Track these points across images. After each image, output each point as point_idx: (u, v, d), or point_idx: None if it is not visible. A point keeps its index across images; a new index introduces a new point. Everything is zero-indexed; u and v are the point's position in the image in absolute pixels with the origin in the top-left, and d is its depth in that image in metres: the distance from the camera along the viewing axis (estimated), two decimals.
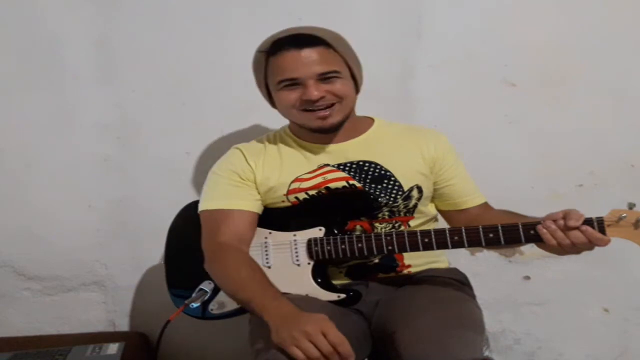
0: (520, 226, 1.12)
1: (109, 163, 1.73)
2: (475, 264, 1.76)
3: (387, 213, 1.27)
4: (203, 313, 1.30)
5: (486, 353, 1.77)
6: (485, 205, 1.34)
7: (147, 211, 1.73)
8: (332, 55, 1.21)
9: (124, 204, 1.75)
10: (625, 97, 1.70)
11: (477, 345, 1.08)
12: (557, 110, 1.71)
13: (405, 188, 1.27)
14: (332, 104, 1.22)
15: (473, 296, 1.30)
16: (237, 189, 1.29)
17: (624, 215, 1.06)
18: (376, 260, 1.29)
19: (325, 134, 1.28)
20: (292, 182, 1.28)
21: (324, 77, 1.20)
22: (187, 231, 1.38)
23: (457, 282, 1.31)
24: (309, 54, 1.18)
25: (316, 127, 1.25)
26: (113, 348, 1.50)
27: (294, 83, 1.20)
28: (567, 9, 1.67)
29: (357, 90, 1.30)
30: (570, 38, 1.68)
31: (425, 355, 1.01)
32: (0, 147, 1.72)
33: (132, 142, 1.73)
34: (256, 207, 1.29)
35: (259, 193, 1.30)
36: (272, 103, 1.32)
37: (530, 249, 1.76)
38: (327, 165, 1.29)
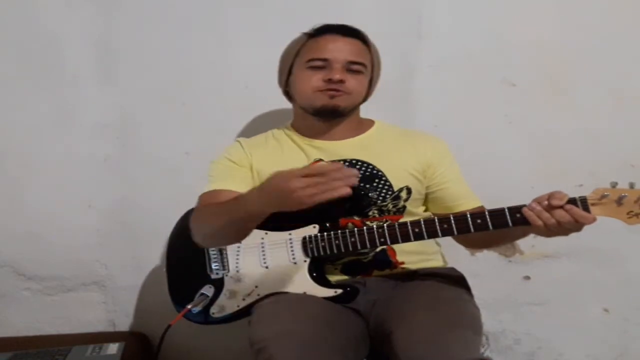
0: (506, 210, 1.13)
1: (109, 163, 1.73)
2: (475, 264, 1.76)
3: (376, 212, 1.29)
4: (205, 318, 1.30)
5: (486, 353, 1.78)
6: (480, 209, 1.34)
7: (147, 211, 1.73)
8: (366, 52, 1.30)
9: (124, 204, 1.75)
10: (625, 97, 1.70)
11: (475, 345, 1.08)
12: (557, 110, 1.71)
13: (395, 188, 1.29)
14: (345, 93, 1.27)
15: (471, 296, 1.30)
16: (228, 172, 1.33)
17: (607, 193, 1.08)
18: (370, 257, 1.30)
19: (324, 122, 1.31)
20: None
21: (351, 67, 1.26)
22: (187, 237, 1.38)
23: (454, 281, 1.31)
24: (348, 43, 1.27)
25: (320, 106, 1.28)
26: (113, 348, 1.50)
27: (322, 65, 1.26)
28: (567, 9, 1.67)
29: (366, 96, 1.35)
30: (570, 38, 1.68)
31: (423, 355, 1.01)
32: (0, 147, 1.72)
33: (132, 142, 1.73)
34: (244, 189, 1.29)
35: (252, 179, 1.32)
36: (285, 87, 1.36)
37: (530, 248, 1.76)
38: (322, 160, 1.31)
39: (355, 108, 1.33)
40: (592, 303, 1.81)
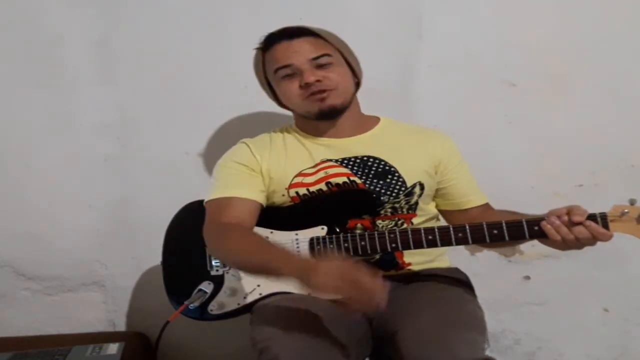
0: (524, 222, 1.13)
1: (109, 163, 1.73)
2: (476, 264, 1.76)
3: (389, 210, 1.28)
4: (202, 314, 1.29)
5: (486, 353, 1.77)
6: (487, 206, 1.35)
7: (147, 211, 1.73)
8: (322, 43, 1.26)
9: (124, 204, 1.75)
10: (625, 97, 1.70)
11: (479, 345, 1.08)
12: (557, 110, 1.71)
13: (409, 184, 1.28)
14: (330, 89, 1.25)
15: (474, 296, 1.30)
16: (240, 178, 1.29)
17: (627, 210, 1.09)
18: (377, 257, 1.29)
19: (328, 121, 1.31)
20: (296, 176, 1.29)
21: (318, 63, 1.24)
22: (185, 232, 1.38)
23: (458, 282, 1.31)
24: (300, 43, 1.24)
25: (317, 111, 1.27)
26: (113, 348, 1.49)
27: (291, 73, 1.25)
28: (567, 9, 1.67)
29: (358, 82, 1.33)
30: (571, 38, 1.68)
31: (427, 355, 1.01)
32: (0, 147, 1.72)
33: (132, 142, 1.73)
34: (259, 197, 1.29)
35: (264, 183, 1.31)
36: (277, 100, 1.36)
37: (530, 248, 1.76)
38: (330, 160, 1.30)
39: (352, 99, 1.32)
40: (592, 303, 1.81)
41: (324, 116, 1.28)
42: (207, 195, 1.32)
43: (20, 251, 1.77)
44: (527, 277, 1.80)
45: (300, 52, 1.23)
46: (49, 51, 1.68)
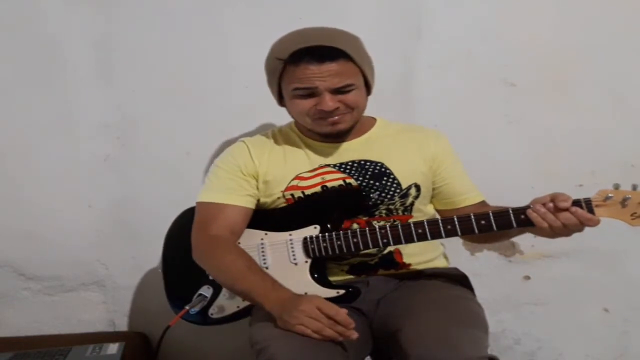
0: (510, 211, 1.14)
1: (109, 163, 1.73)
2: (476, 264, 1.76)
3: (384, 211, 1.28)
4: (203, 318, 1.30)
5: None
6: (483, 203, 1.34)
7: (147, 211, 1.73)
8: (350, 68, 1.20)
9: (124, 204, 1.75)
10: (625, 97, 1.70)
11: (483, 343, 1.09)
12: (557, 110, 1.71)
13: (404, 186, 1.28)
14: (344, 113, 1.24)
15: (474, 295, 1.31)
16: (234, 183, 1.30)
17: (611, 195, 1.08)
18: (376, 260, 1.29)
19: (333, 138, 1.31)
20: (293, 179, 1.29)
21: (340, 90, 1.20)
22: (184, 238, 1.38)
23: (458, 281, 1.31)
24: (328, 68, 1.17)
25: (326, 133, 1.27)
26: (113, 348, 1.50)
27: (309, 93, 1.21)
28: (567, 9, 1.67)
29: (368, 93, 1.31)
30: (570, 38, 1.68)
31: (432, 353, 1.01)
32: (0, 147, 1.72)
33: (132, 142, 1.73)
34: (251, 203, 1.31)
35: (257, 188, 1.31)
36: (280, 102, 1.32)
37: (530, 248, 1.76)
38: (328, 165, 1.30)
39: (361, 116, 1.31)
40: (592, 303, 1.81)
41: (330, 137, 1.29)
42: (200, 193, 1.33)
43: (20, 251, 1.77)
44: (527, 277, 1.80)
45: (326, 80, 1.17)
46: (49, 51, 1.68)
